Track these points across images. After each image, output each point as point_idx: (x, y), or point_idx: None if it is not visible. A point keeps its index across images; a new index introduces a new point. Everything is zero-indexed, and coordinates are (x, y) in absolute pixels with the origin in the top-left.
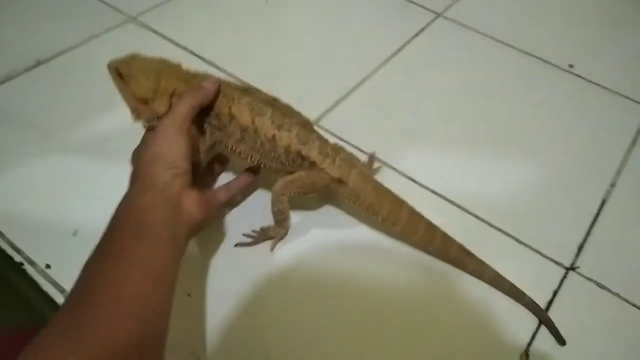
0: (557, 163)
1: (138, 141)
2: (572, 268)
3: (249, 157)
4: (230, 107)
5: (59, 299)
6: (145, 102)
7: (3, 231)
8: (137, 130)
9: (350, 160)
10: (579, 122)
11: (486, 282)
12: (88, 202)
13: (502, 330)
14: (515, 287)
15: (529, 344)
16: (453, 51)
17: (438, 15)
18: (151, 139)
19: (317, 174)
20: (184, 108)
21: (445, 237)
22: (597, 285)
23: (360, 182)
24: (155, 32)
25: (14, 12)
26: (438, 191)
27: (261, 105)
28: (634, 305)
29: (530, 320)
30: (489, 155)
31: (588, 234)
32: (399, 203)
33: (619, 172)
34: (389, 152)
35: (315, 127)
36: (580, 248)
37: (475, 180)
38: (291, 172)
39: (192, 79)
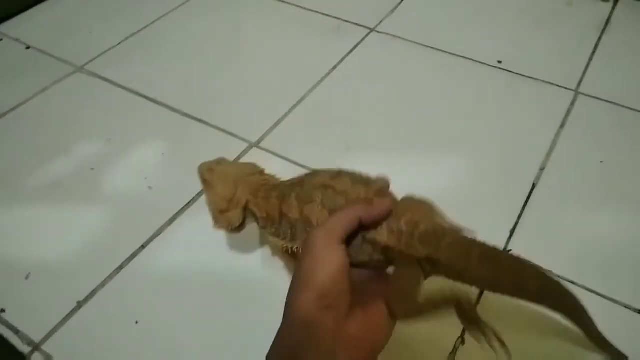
0: (489, 154)
1: (86, 183)
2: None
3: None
4: (280, 206)
5: (15, 340)
6: (222, 211)
7: None
8: (86, 173)
9: (436, 229)
10: (510, 113)
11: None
12: (40, 245)
13: None
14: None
15: None
16: (388, 62)
17: (371, 30)
18: (299, 259)
19: (402, 264)
20: (339, 219)
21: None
22: None
23: (457, 255)
24: (103, 79)
25: None
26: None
27: (311, 192)
28: (567, 280)
29: None
30: (426, 154)
31: (519, 217)
32: (521, 270)
33: (548, 156)
34: (329, 162)
35: (259, 150)
36: (512, 232)
37: (412, 180)
38: (365, 266)
39: (269, 190)
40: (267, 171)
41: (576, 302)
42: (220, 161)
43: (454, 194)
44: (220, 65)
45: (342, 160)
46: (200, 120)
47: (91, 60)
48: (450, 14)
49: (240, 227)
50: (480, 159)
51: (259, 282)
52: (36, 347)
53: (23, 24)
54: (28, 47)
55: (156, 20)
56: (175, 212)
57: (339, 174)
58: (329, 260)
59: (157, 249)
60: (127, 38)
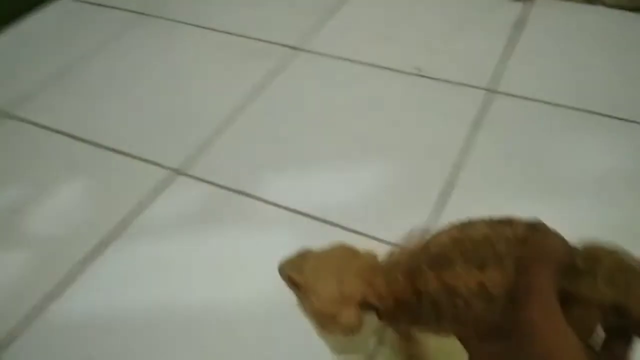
0: (408, 160)
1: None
2: None
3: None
4: (414, 283)
5: None
6: (332, 317)
7: None
8: (4, 217)
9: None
10: (428, 117)
11: None
12: None
13: None
14: None
15: None
16: (313, 79)
17: (296, 49)
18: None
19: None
20: (545, 279)
21: None
22: None
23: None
24: (24, 120)
25: None
26: (304, 211)
27: (445, 252)
28: None
29: None
30: (346, 164)
31: (437, 217)
32: None
33: (463, 156)
34: (256, 184)
35: (184, 177)
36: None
37: (336, 191)
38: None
39: (387, 272)
40: (360, 249)
41: None
42: (305, 255)
43: (371, 201)
44: (141, 96)
45: (270, 181)
46: (122, 152)
47: (15, 104)
48: (369, 28)
49: (360, 327)
50: (399, 164)
51: (178, 322)
52: None
53: None
54: None
55: (76, 59)
56: (95, 247)
57: (465, 223)
58: (570, 345)
59: (78, 289)
60: (46, 81)
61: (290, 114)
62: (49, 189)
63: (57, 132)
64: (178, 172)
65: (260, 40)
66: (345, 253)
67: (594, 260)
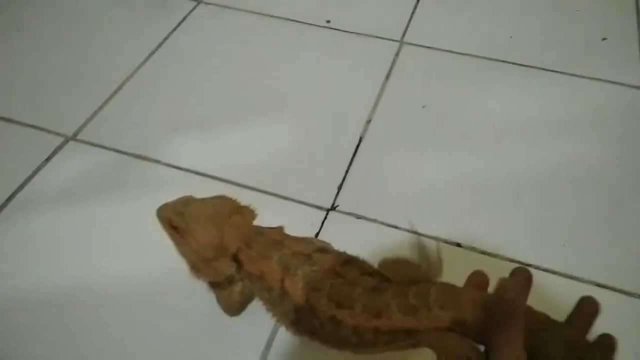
0: (319, 114)
1: None
2: (332, 208)
3: (315, 341)
4: (283, 280)
5: None
6: (207, 260)
7: None
8: None
9: (447, 291)
10: (339, 71)
11: None
12: None
13: None
14: None
15: None
16: (216, 34)
17: (199, 2)
18: None
19: (431, 336)
20: (516, 333)
21: None
22: (355, 217)
23: (476, 312)
24: None
25: None
26: (206, 172)
27: (321, 277)
28: (392, 226)
29: None
30: (254, 124)
31: (347, 173)
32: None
33: (374, 109)
34: (154, 147)
35: (77, 143)
36: (340, 188)
37: (240, 152)
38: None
39: (257, 237)
40: (242, 202)
41: None
42: (188, 201)
43: (284, 157)
44: (30, 55)
45: (170, 143)
46: (6, 119)
47: None
48: None
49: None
50: (309, 120)
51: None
52: None
53: None
54: None
55: None
56: None
57: (349, 260)
58: None
59: None
60: None
61: (192, 70)
62: None
63: None
64: (70, 137)
65: None
66: (227, 204)
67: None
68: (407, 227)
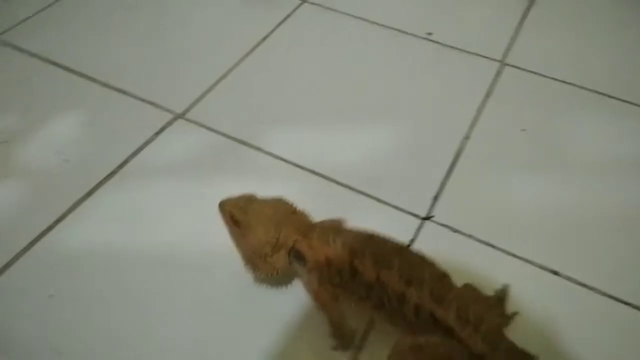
0: (416, 124)
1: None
2: (427, 218)
3: (373, 314)
4: (352, 261)
5: None
6: (263, 256)
7: None
8: None
9: (498, 329)
10: (438, 84)
11: None
12: None
13: None
14: None
15: None
16: (319, 33)
17: (304, 1)
18: None
19: (454, 345)
20: None
21: None
22: (451, 230)
23: None
24: (19, 49)
25: None
26: (304, 165)
27: (387, 256)
28: (488, 244)
29: None
30: (351, 125)
31: (443, 185)
32: None
33: (472, 125)
34: (256, 134)
35: (185, 121)
36: (436, 199)
37: (338, 150)
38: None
39: (312, 229)
40: (298, 206)
41: None
42: (250, 198)
43: (377, 165)
44: (144, 34)
45: (271, 132)
46: (121, 90)
47: (5, 31)
48: None
49: (284, 270)
50: (406, 128)
51: (179, 259)
52: None
53: None
54: None
55: None
56: (92, 185)
57: (404, 248)
58: None
59: (73, 223)
60: (45, 7)
61: (294, 66)
62: (43, 121)
63: (52, 62)
64: (178, 115)
65: None
66: (285, 206)
67: (480, 320)
68: (502, 246)
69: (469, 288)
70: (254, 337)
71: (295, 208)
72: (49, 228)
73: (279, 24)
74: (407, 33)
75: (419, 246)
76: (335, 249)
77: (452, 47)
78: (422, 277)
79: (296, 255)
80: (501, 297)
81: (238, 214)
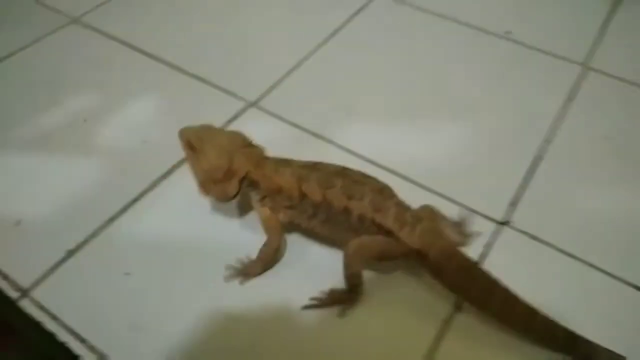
0: (493, 124)
1: (78, 135)
2: (504, 223)
3: (324, 231)
4: (300, 187)
5: (2, 284)
6: (215, 181)
7: None
8: (78, 125)
9: (435, 230)
10: (516, 84)
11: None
12: (31, 194)
13: None
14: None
15: None
16: (393, 27)
17: None
18: None
19: (394, 242)
20: None
21: (546, 321)
22: (530, 237)
23: (444, 258)
24: (99, 31)
25: None
26: (376, 161)
27: (330, 178)
28: (568, 254)
29: None
30: (427, 122)
31: (522, 189)
32: (490, 285)
33: (554, 129)
34: (329, 127)
35: (257, 110)
36: (514, 203)
37: (413, 148)
38: None
39: (264, 161)
40: (254, 142)
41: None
42: (208, 128)
43: (453, 164)
44: (219, 22)
45: (343, 126)
46: (196, 77)
47: (87, 12)
48: None
49: (234, 197)
50: (483, 128)
51: (244, 243)
52: (25, 292)
53: None
54: None
55: None
56: (170, 166)
57: (345, 168)
58: None
59: (150, 203)
60: None
61: (367, 59)
62: (121, 102)
63: (129, 45)
64: (251, 103)
65: None
66: (240, 138)
67: (417, 220)
68: (584, 258)
69: (427, 208)
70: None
71: (251, 142)
72: (126, 207)
73: (353, 16)
74: (485, 31)
75: (496, 252)
76: (285, 178)
77: (531, 47)
78: (362, 191)
79: (250, 184)
80: (463, 219)
81: (195, 140)
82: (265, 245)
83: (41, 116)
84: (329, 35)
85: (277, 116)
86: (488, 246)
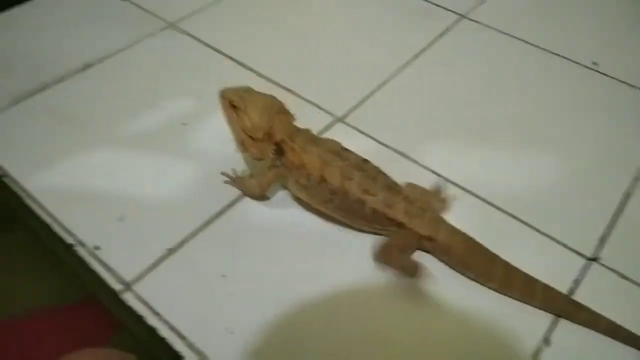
0: (579, 156)
1: (177, 137)
2: (593, 259)
3: (337, 214)
4: (323, 170)
5: (106, 276)
6: (255, 140)
7: (57, 215)
8: (177, 128)
9: (438, 217)
10: (603, 117)
11: (600, 331)
12: (134, 189)
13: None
14: (633, 334)
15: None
16: (477, 51)
17: (462, 16)
18: None
19: (407, 233)
20: None
21: (547, 289)
22: (620, 276)
23: (449, 238)
24: (193, 37)
25: (62, 18)
26: (461, 184)
27: (351, 169)
28: None
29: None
30: (512, 149)
31: (611, 226)
32: (491, 258)
33: None
34: (413, 147)
35: (344, 125)
36: (603, 239)
37: (497, 173)
38: (377, 232)
39: (296, 134)
40: (288, 109)
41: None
42: (248, 90)
43: (540, 194)
44: (308, 35)
45: (428, 147)
46: (287, 89)
47: (183, 18)
48: (544, 8)
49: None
50: (569, 160)
51: (344, 237)
52: (128, 286)
53: None
54: None
55: None
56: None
57: (366, 161)
58: None
59: (246, 206)
60: (216, 1)
61: (450, 81)
62: (216, 108)
63: (220, 52)
64: (338, 119)
65: (426, 1)
66: (278, 103)
67: (423, 210)
68: None
69: (412, 186)
70: None
71: (286, 108)
72: (224, 209)
73: (438, 38)
74: (571, 60)
75: (583, 288)
76: (311, 157)
77: (619, 80)
78: (375, 187)
79: (278, 151)
80: (438, 187)
81: (236, 100)
82: (246, 188)
83: (142, 116)
84: (414, 55)
85: (363, 132)
86: (576, 282)
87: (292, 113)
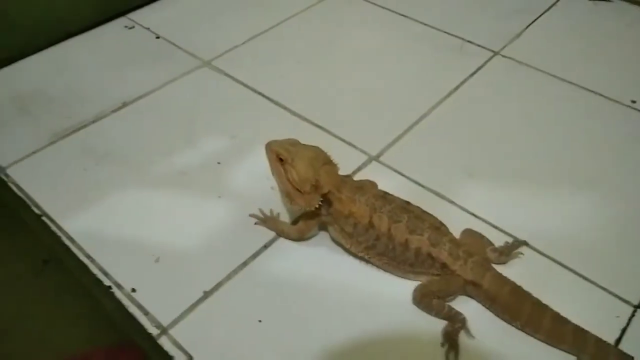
0: (621, 199)
1: (212, 177)
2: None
3: (378, 261)
4: (371, 217)
5: (143, 320)
6: (302, 192)
7: (94, 256)
8: (212, 167)
9: (484, 262)
10: None
11: None
12: (169, 230)
13: None
14: None
15: None
16: (512, 88)
17: (495, 53)
18: None
19: (450, 277)
20: None
21: (599, 343)
22: None
23: (496, 285)
24: (228, 75)
25: (102, 56)
26: (499, 226)
27: (398, 213)
28: None
29: None
30: (551, 190)
31: None
32: (540, 308)
33: None
34: (449, 187)
35: (378, 164)
36: None
37: (537, 215)
38: (419, 278)
39: (343, 185)
40: (333, 159)
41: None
42: (294, 142)
43: (581, 237)
44: (341, 74)
45: (464, 187)
46: (320, 127)
47: (217, 56)
48: (580, 45)
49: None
50: (611, 203)
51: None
52: (164, 330)
53: (154, 14)
54: (158, 37)
55: (280, 22)
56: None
57: (408, 202)
58: None
59: (280, 249)
60: (252, 37)
61: (485, 119)
62: (251, 147)
63: (255, 91)
64: (373, 158)
65: (458, 37)
66: (323, 154)
67: (469, 254)
68: None
69: (468, 231)
70: None
71: (330, 158)
72: (258, 252)
73: (471, 75)
74: (609, 98)
75: (631, 336)
76: (359, 206)
77: None
78: (422, 226)
79: (325, 201)
80: (510, 245)
81: (283, 153)
82: (282, 232)
83: (177, 155)
84: (448, 93)
85: (397, 171)
86: (624, 331)
87: (336, 162)
